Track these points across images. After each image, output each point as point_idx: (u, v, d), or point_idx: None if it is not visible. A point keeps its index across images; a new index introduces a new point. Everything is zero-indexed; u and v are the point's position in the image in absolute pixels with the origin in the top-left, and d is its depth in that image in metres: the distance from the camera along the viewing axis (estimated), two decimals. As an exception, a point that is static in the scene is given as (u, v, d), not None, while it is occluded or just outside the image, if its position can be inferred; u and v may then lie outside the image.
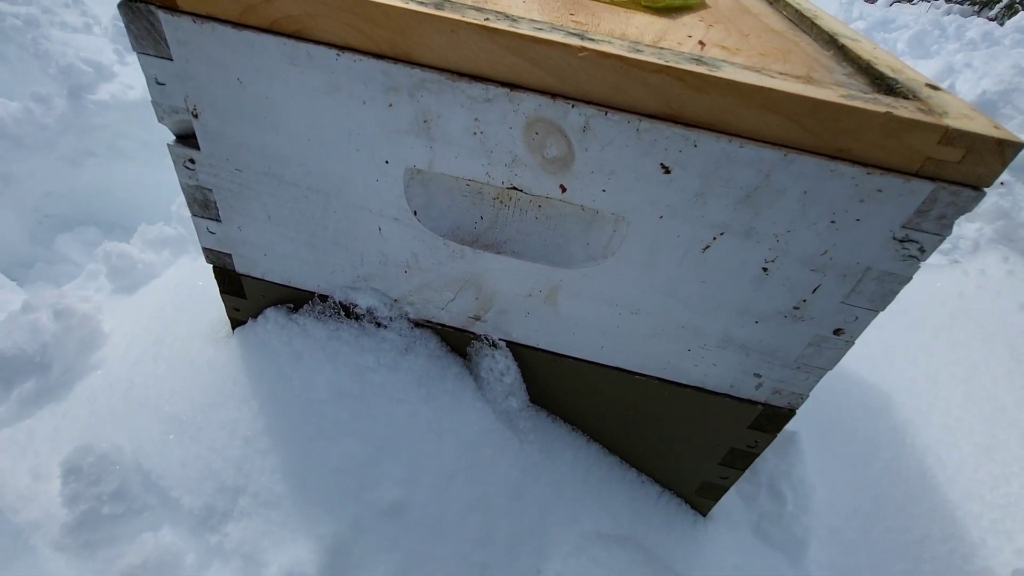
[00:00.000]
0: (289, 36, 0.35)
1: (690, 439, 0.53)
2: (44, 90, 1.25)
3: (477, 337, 0.51)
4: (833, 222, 0.36)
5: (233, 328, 0.57)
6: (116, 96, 1.28)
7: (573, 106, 0.35)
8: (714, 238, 0.38)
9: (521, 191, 0.40)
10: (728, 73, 0.32)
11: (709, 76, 0.32)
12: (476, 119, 0.37)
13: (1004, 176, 1.74)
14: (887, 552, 0.65)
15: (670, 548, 0.56)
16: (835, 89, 0.33)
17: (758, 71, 0.34)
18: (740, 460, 0.54)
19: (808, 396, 0.47)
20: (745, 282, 0.40)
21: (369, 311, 0.50)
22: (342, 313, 0.51)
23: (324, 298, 0.51)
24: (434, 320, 0.51)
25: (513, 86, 0.35)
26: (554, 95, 0.35)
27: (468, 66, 0.35)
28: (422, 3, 0.34)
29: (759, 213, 0.36)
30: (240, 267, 0.51)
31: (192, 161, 0.44)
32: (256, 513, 0.47)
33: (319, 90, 0.37)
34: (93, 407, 0.58)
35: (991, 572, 0.63)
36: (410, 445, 0.50)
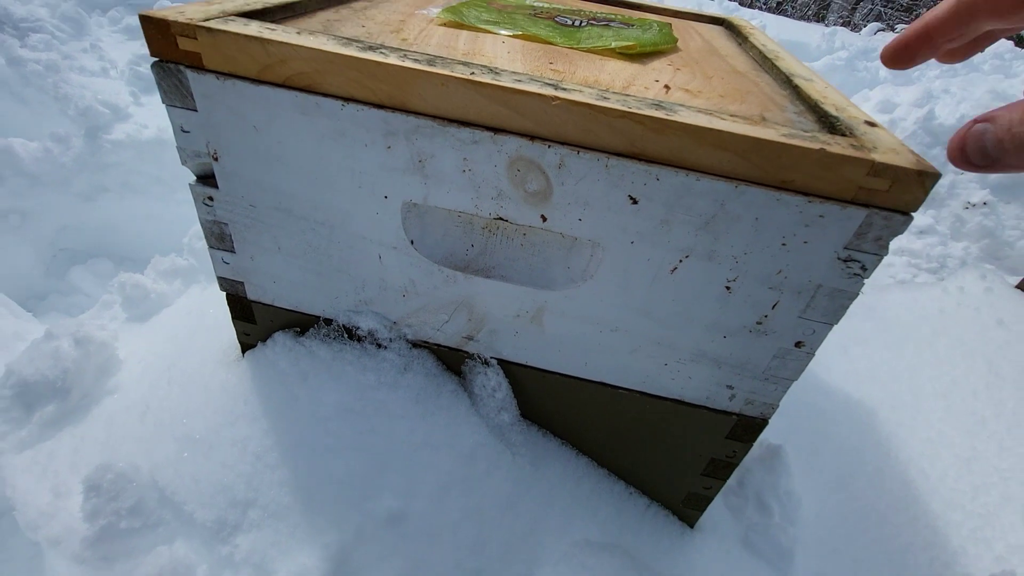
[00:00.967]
0: (300, 90, 0.40)
1: (673, 450, 0.57)
2: (63, 130, 1.32)
3: (470, 356, 0.55)
4: (784, 244, 0.40)
5: (243, 352, 0.61)
6: (131, 135, 1.35)
7: (550, 147, 0.39)
8: (680, 260, 0.43)
9: (507, 221, 0.44)
10: (683, 117, 0.37)
11: (666, 120, 0.37)
12: (465, 159, 0.41)
13: (987, 197, 1.80)
14: (871, 560, 0.67)
15: (658, 557, 0.59)
16: (777, 128, 0.38)
17: (710, 114, 0.39)
18: (720, 470, 0.57)
19: (778, 406, 0.50)
20: (711, 300, 0.44)
21: (370, 333, 0.54)
22: (345, 335, 0.55)
23: (329, 321, 0.55)
24: (430, 340, 0.55)
25: (497, 130, 0.40)
26: (533, 137, 0.39)
27: (457, 113, 0.40)
28: (416, 60, 0.39)
29: (718, 238, 0.41)
30: (251, 294, 0.55)
31: (211, 198, 0.48)
32: (265, 524, 0.50)
33: (326, 135, 0.42)
34: (110, 428, 0.62)
35: (972, 578, 0.65)
36: (409, 458, 0.53)
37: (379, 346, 0.55)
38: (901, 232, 0.37)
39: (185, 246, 0.97)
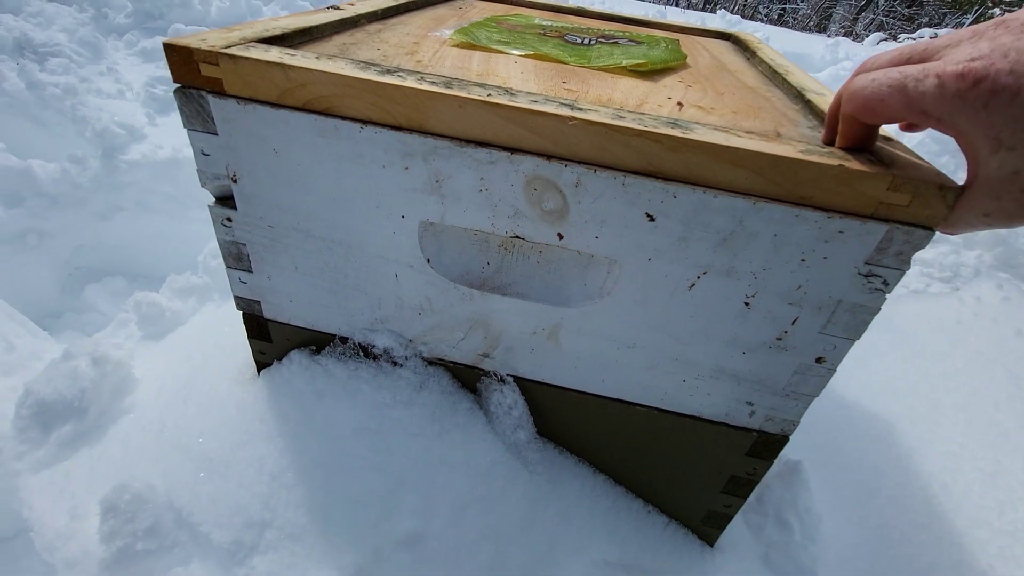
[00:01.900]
0: (319, 113, 0.41)
1: (692, 468, 0.56)
2: (80, 152, 1.34)
3: (486, 373, 0.54)
4: (803, 260, 0.40)
5: (259, 370, 0.61)
6: (146, 155, 1.37)
7: (566, 166, 0.40)
8: (698, 277, 0.42)
9: (523, 239, 0.44)
10: (699, 135, 0.37)
11: (682, 138, 0.37)
12: (482, 178, 0.42)
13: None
14: (896, 580, 0.66)
15: (678, 577, 0.58)
16: (795, 144, 0.38)
17: (727, 131, 0.39)
18: (741, 488, 0.56)
19: (799, 423, 0.49)
20: (730, 316, 0.44)
21: (386, 351, 0.54)
22: (361, 353, 0.55)
23: (345, 340, 0.55)
24: (446, 358, 0.55)
25: (513, 150, 0.40)
26: (549, 156, 0.40)
27: (474, 134, 0.40)
28: (433, 83, 0.40)
29: (736, 254, 0.41)
30: (268, 313, 0.55)
31: (229, 219, 0.49)
32: (282, 546, 0.50)
33: (344, 157, 0.43)
34: (127, 448, 0.62)
35: (1002, 599, 0.63)
36: (425, 477, 0.53)
37: (395, 364, 0.55)
38: (923, 247, 0.37)
39: (200, 264, 0.98)
